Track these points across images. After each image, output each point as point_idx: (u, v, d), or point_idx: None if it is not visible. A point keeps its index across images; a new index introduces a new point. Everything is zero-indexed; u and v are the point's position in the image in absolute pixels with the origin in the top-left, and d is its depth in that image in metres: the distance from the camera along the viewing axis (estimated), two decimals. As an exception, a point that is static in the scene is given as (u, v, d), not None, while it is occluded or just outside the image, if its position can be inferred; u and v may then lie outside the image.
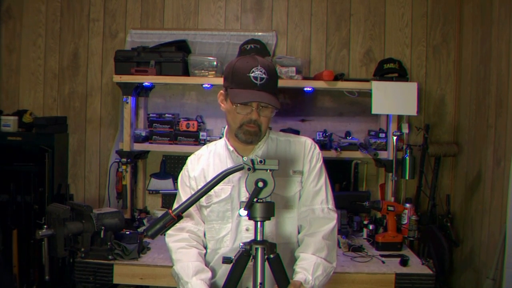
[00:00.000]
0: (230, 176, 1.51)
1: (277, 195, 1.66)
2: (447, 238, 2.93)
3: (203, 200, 1.72)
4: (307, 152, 1.75)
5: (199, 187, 1.59)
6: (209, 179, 1.55)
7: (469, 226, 3.00)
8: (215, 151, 1.79)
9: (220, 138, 1.85)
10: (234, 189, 1.71)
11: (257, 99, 1.61)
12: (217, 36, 3.35)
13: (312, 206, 1.71)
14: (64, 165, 3.41)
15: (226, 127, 1.77)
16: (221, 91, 1.72)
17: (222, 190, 1.71)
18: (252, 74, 1.61)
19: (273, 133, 1.81)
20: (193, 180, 1.77)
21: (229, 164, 1.71)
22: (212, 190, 1.55)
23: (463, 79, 3.22)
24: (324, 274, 1.61)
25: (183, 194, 1.78)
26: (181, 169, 1.84)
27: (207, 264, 1.74)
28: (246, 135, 1.66)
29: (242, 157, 1.68)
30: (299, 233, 1.73)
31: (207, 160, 1.78)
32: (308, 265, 1.59)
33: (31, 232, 3.02)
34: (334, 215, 1.73)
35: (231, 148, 1.73)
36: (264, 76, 1.61)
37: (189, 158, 1.82)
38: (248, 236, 1.65)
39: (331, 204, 1.74)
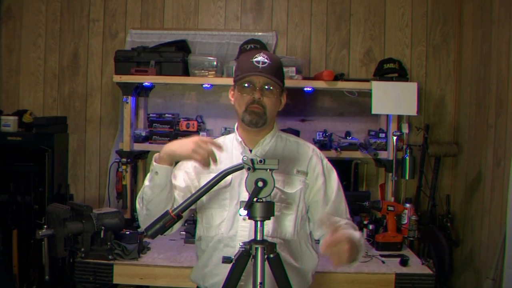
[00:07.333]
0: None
1: (278, 189, 1.68)
2: (447, 238, 2.92)
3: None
4: (317, 161, 1.78)
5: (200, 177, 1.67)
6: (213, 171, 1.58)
7: (469, 226, 3.00)
8: (223, 143, 1.79)
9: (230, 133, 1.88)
10: (235, 179, 1.71)
11: (257, 75, 1.66)
12: (217, 36, 3.35)
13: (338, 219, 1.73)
14: (64, 165, 3.41)
15: (237, 123, 1.80)
16: (231, 88, 1.78)
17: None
18: (255, 59, 1.68)
19: (283, 134, 1.86)
20: (192, 169, 1.75)
21: (235, 155, 1.75)
22: None
23: (463, 79, 3.22)
24: (362, 240, 1.63)
25: (176, 176, 1.76)
26: None
27: (201, 251, 1.77)
28: (251, 115, 1.68)
29: (250, 150, 1.74)
30: (297, 233, 1.73)
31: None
32: (348, 227, 1.63)
33: (31, 232, 3.01)
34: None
35: (240, 139, 1.77)
36: (266, 61, 1.67)
37: None
38: (244, 226, 1.67)
39: (349, 215, 1.83)
